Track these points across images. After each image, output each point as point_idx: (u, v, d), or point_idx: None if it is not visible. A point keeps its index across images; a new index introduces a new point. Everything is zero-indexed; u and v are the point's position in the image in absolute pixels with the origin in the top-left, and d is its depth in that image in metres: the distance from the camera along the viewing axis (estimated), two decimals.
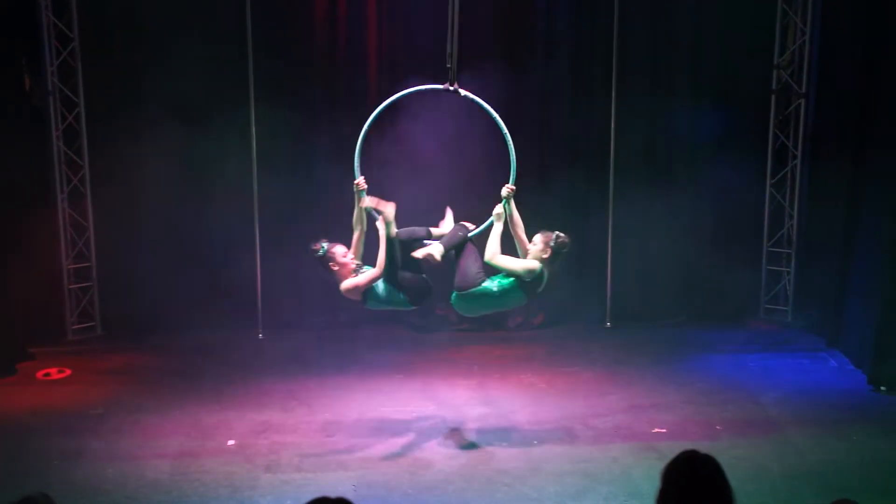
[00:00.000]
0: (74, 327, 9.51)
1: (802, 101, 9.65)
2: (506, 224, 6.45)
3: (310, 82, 9.52)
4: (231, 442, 6.92)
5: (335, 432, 7.10)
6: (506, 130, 6.39)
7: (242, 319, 9.52)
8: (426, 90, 6.57)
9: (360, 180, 6.42)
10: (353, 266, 6.46)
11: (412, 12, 9.39)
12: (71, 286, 9.48)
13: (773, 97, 9.75)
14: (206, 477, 6.32)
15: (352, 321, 9.46)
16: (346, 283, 6.41)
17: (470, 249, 6.48)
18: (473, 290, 6.39)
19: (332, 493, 2.99)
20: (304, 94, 9.39)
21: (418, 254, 6.33)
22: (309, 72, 9.55)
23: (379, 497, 6.02)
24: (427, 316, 9.65)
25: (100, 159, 9.37)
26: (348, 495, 3.00)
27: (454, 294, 6.50)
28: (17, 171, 8.77)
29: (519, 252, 6.56)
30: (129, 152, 9.25)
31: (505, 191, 6.42)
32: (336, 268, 6.44)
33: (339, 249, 6.44)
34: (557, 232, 6.45)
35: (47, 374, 8.41)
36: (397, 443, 6.90)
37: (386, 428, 7.18)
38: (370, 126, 6.56)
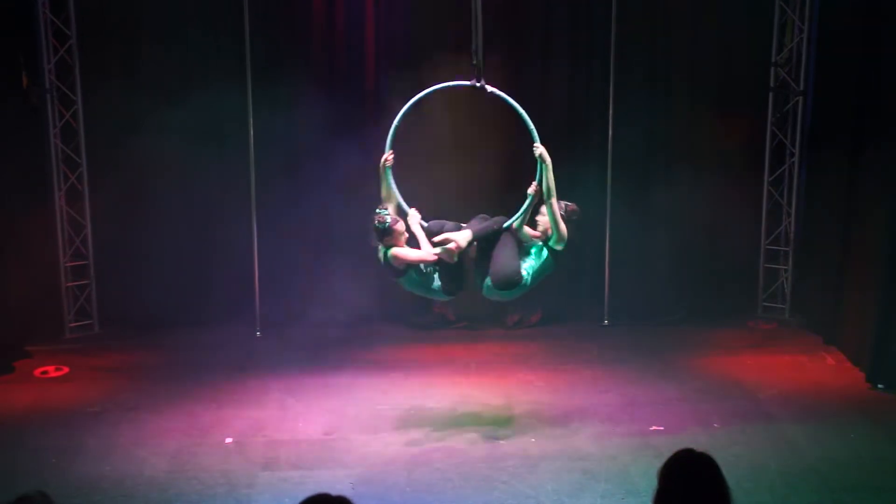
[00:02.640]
0: (72, 325, 9.51)
1: (800, 98, 9.64)
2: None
3: (309, 77, 9.48)
4: (229, 439, 6.92)
5: (333, 430, 7.11)
6: (532, 127, 6.48)
7: (240, 317, 9.52)
8: (454, 86, 6.55)
9: (389, 155, 6.55)
10: (406, 237, 6.58)
11: None
12: (68, 284, 9.47)
13: (770, 95, 9.76)
14: (203, 474, 6.32)
15: (350, 319, 9.47)
16: (399, 251, 6.50)
17: (506, 241, 6.50)
18: (515, 286, 6.47)
19: (330, 491, 2.98)
20: (304, 90, 9.36)
21: (437, 241, 6.43)
22: (308, 66, 9.52)
23: (377, 495, 6.02)
24: (425, 314, 9.65)
25: (97, 157, 9.36)
26: (346, 493, 2.99)
27: (487, 285, 6.52)
28: (14, 169, 8.75)
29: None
30: (126, 150, 9.25)
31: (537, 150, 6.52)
32: (389, 240, 6.53)
33: (400, 226, 6.55)
34: (565, 202, 6.63)
35: (45, 372, 8.41)
36: (395, 441, 6.90)
37: (384, 426, 7.18)
38: (406, 112, 6.58)
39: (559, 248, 6.57)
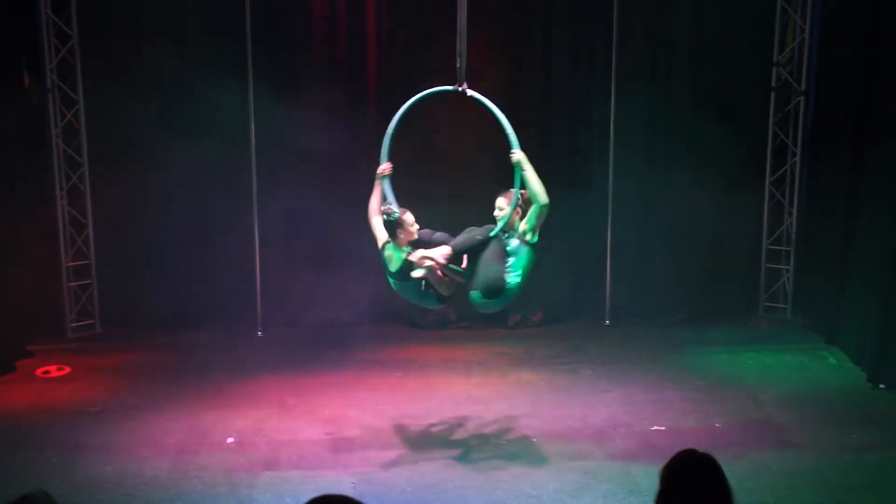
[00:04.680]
0: (73, 325, 9.51)
1: (802, 98, 9.64)
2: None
3: (311, 77, 9.48)
4: (230, 439, 6.93)
5: (334, 430, 7.11)
6: (510, 131, 6.25)
7: (241, 317, 9.52)
8: (438, 91, 6.43)
9: (387, 165, 6.40)
10: (416, 237, 6.34)
11: None
12: (70, 284, 9.48)
13: (772, 95, 9.75)
14: (204, 474, 6.32)
15: (351, 319, 9.47)
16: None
17: (492, 249, 6.23)
18: (501, 292, 6.20)
19: (332, 492, 2.98)
20: (305, 87, 9.36)
21: (416, 259, 6.18)
22: (310, 67, 9.53)
23: (378, 495, 6.01)
24: (426, 314, 9.65)
25: (99, 157, 9.37)
26: (348, 493, 2.99)
27: (475, 299, 6.28)
28: (15, 169, 8.76)
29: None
30: (128, 150, 9.26)
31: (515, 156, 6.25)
32: (402, 234, 6.27)
33: (408, 217, 6.32)
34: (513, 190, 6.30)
35: (46, 372, 8.41)
36: (396, 441, 6.91)
37: (385, 426, 7.18)
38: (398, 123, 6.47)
39: (534, 239, 6.29)
